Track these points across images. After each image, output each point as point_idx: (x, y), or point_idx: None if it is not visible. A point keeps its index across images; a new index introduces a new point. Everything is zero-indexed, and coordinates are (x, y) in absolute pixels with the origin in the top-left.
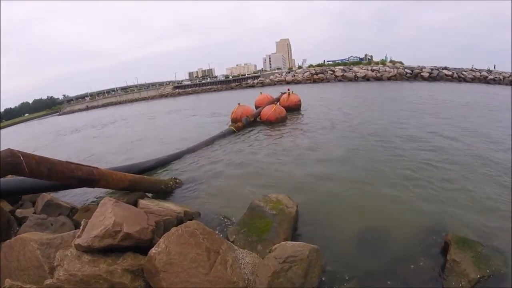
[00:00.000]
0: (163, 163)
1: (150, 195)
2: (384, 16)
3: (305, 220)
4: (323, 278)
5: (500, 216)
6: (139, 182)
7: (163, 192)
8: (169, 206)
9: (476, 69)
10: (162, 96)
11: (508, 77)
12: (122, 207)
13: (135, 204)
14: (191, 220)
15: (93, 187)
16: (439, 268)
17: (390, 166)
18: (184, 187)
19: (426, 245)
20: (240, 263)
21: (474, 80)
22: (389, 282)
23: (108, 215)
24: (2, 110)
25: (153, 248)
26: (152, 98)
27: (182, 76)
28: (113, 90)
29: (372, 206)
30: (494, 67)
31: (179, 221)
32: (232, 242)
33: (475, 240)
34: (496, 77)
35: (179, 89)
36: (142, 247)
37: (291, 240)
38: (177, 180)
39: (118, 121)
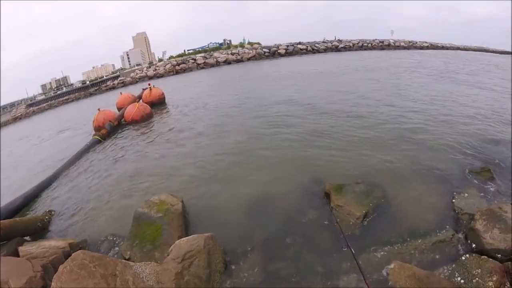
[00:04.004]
0: (32, 197)
1: (29, 237)
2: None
3: (194, 211)
4: (228, 259)
5: (368, 156)
6: (11, 228)
7: (42, 230)
8: (52, 244)
9: (328, 41)
10: (16, 119)
11: (357, 43)
12: (2, 262)
13: (15, 253)
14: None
15: None
16: (327, 214)
17: (257, 136)
18: (62, 217)
19: (310, 199)
20: (141, 277)
21: (326, 50)
22: (287, 240)
23: None
24: None
25: None
26: (6, 124)
27: (35, 90)
28: None
29: (252, 177)
30: (336, 37)
31: (67, 256)
32: (128, 259)
33: (352, 182)
34: (346, 45)
35: (33, 106)
36: None
37: (187, 236)
38: (53, 212)
39: None
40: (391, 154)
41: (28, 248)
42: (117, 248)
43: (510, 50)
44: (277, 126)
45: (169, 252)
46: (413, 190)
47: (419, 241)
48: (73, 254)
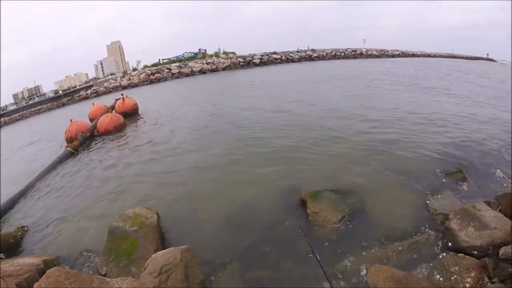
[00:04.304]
0: (2, 212)
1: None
2: (217, 10)
3: (169, 224)
4: (207, 270)
5: (342, 164)
6: None
7: (14, 247)
8: (26, 261)
9: (302, 50)
10: None
11: (330, 52)
12: None
13: None
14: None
15: None
16: (304, 222)
17: (231, 146)
18: (35, 233)
19: (287, 207)
20: None
21: (301, 59)
22: (265, 249)
23: None
24: None
25: None
26: None
27: (6, 100)
28: None
29: (228, 187)
30: (308, 47)
31: (42, 273)
32: (104, 275)
33: (327, 189)
34: (319, 54)
35: (4, 117)
36: None
37: (163, 249)
38: (25, 228)
39: None
40: (364, 161)
41: (1, 265)
42: (92, 264)
43: (478, 56)
44: (252, 137)
45: (146, 266)
46: (387, 194)
47: (396, 243)
48: (47, 271)
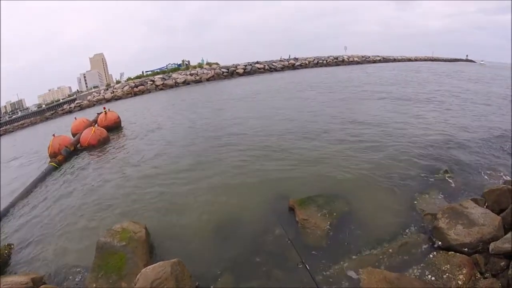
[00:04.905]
0: None
1: None
2: (199, 20)
3: (158, 237)
4: (198, 283)
5: (327, 169)
6: None
7: (2, 265)
8: (14, 280)
9: (285, 59)
10: None
11: (313, 60)
12: None
13: None
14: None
15: None
16: (294, 229)
17: (215, 157)
18: (22, 251)
19: (276, 216)
20: None
21: (284, 68)
22: (256, 259)
23: None
24: None
25: None
26: None
27: None
28: None
29: (215, 199)
30: (290, 56)
31: None
32: None
33: (315, 195)
34: (302, 63)
35: None
36: None
37: (152, 263)
38: (12, 246)
39: None
40: (349, 166)
41: None
42: (81, 280)
43: (458, 57)
44: (236, 148)
45: (136, 281)
46: (375, 197)
47: (387, 246)
48: None
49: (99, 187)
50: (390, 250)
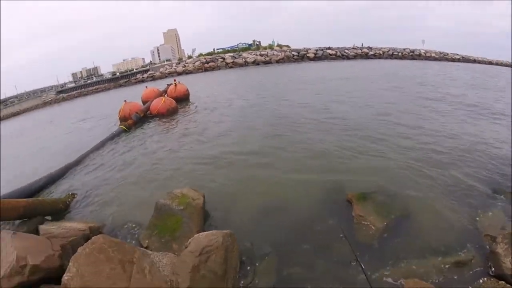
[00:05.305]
0: (55, 178)
1: (49, 217)
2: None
3: (214, 207)
4: (243, 258)
5: (393, 166)
6: (35, 207)
7: (63, 211)
8: (72, 226)
9: (358, 47)
10: (46, 104)
11: (388, 51)
12: (22, 238)
13: (35, 231)
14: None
15: None
16: (348, 224)
17: (282, 141)
18: (84, 200)
19: (332, 206)
20: (158, 267)
21: (356, 56)
22: (304, 246)
23: (9, 250)
24: None
25: (64, 275)
26: (35, 108)
27: (65, 78)
28: None
29: (275, 180)
30: (362, 44)
31: (86, 239)
32: (146, 247)
33: (374, 191)
34: (376, 53)
35: (63, 93)
36: (54, 276)
37: (204, 231)
38: (75, 195)
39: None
40: (416, 168)
41: (49, 227)
42: (135, 235)
43: None
44: (302, 130)
45: (187, 245)
46: (436, 205)
47: (438, 259)
48: (93, 238)
49: (163, 154)
50: (441, 265)
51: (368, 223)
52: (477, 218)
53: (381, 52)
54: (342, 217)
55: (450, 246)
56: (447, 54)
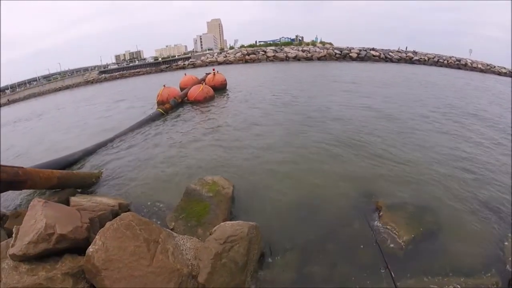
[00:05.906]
0: (90, 153)
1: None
2: None
3: (241, 198)
4: (264, 251)
5: (426, 178)
6: (68, 179)
7: (94, 186)
8: (102, 200)
9: (403, 50)
10: (88, 82)
11: (433, 58)
12: (52, 208)
13: (66, 202)
14: (127, 212)
15: (20, 190)
16: (374, 230)
17: (316, 140)
18: (115, 178)
19: (360, 211)
20: (181, 250)
21: (400, 60)
22: (327, 247)
23: (39, 218)
24: None
25: (90, 247)
26: (77, 85)
27: (108, 59)
28: (34, 80)
29: (304, 177)
30: (406, 48)
31: (115, 215)
32: (171, 229)
33: (405, 202)
34: (421, 58)
35: (105, 74)
36: (79, 247)
37: (230, 220)
38: (107, 171)
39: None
40: (451, 182)
41: (79, 199)
42: (162, 217)
43: None
44: (342, 133)
45: (212, 232)
46: (467, 223)
47: (461, 280)
48: (122, 214)
49: (198, 140)
50: (463, 285)
51: (396, 233)
52: (506, 243)
53: (426, 58)
54: (370, 224)
55: (474, 267)
56: (494, 67)
